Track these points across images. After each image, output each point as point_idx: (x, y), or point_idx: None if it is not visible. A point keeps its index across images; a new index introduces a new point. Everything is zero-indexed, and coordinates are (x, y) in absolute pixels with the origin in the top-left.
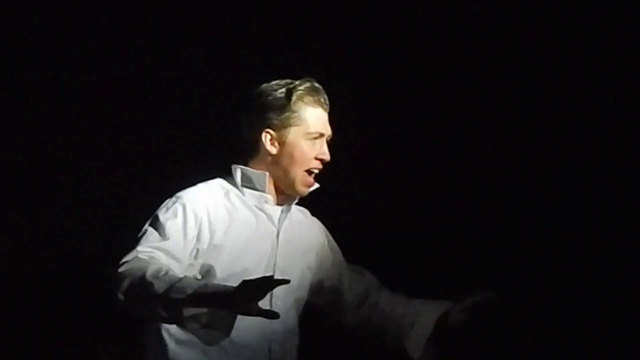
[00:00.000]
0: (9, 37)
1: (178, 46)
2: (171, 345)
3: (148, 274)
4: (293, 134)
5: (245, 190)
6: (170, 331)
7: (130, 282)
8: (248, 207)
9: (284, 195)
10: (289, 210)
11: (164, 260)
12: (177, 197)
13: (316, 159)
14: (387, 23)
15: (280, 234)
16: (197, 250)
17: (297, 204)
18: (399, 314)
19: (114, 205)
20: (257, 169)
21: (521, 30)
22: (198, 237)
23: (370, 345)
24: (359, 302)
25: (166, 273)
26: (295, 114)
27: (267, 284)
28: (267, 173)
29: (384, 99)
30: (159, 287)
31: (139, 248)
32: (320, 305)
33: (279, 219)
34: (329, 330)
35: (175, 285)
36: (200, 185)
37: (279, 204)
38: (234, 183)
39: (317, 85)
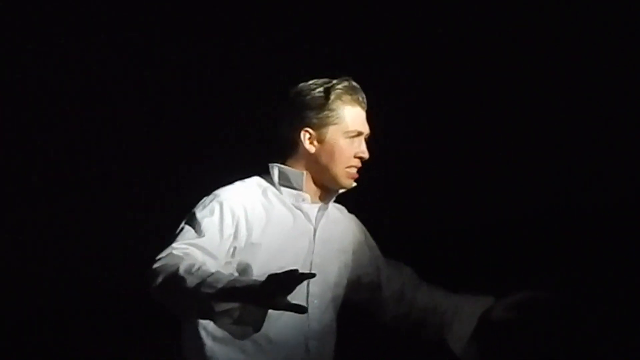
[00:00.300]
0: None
1: (217, 44)
2: (208, 342)
3: (181, 269)
4: (332, 133)
5: (283, 188)
6: (208, 329)
7: (164, 278)
8: (285, 205)
9: (322, 193)
10: (326, 208)
11: (199, 256)
12: (215, 195)
13: (355, 157)
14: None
15: (317, 232)
16: (234, 248)
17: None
18: (439, 309)
19: (153, 205)
20: (295, 167)
21: (522, 30)
22: (235, 235)
23: (404, 346)
24: (397, 297)
25: (199, 268)
26: (334, 113)
27: (294, 278)
28: (305, 172)
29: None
30: (191, 282)
31: (174, 245)
32: (358, 302)
33: (316, 217)
34: (365, 331)
35: (206, 280)
36: (238, 184)
37: (316, 202)
38: (271, 181)
39: (354, 84)
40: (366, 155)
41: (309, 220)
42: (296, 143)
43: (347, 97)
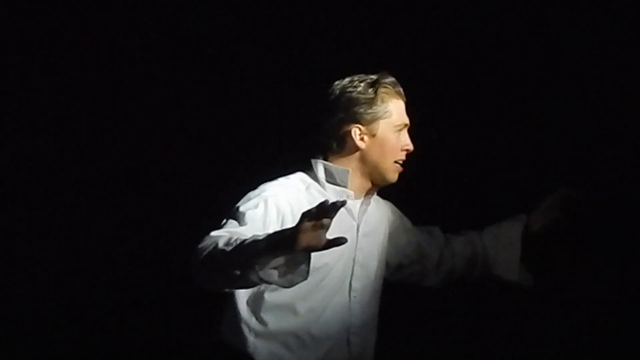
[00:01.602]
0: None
1: (259, 43)
2: (251, 338)
3: (220, 244)
4: (382, 127)
5: (328, 185)
6: (250, 325)
7: (205, 255)
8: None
9: (365, 189)
10: (368, 203)
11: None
12: (260, 190)
13: (402, 150)
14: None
15: (360, 227)
16: None
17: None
18: (479, 249)
19: (203, 200)
20: (340, 163)
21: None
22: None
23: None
24: (438, 261)
25: (237, 239)
26: (383, 107)
27: (325, 208)
28: (350, 169)
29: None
30: (232, 251)
31: (212, 233)
32: (402, 280)
33: (359, 213)
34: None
35: (244, 243)
36: (282, 180)
37: (359, 197)
38: (314, 177)
39: (393, 78)
40: (411, 147)
41: (352, 216)
42: (344, 140)
43: (392, 91)
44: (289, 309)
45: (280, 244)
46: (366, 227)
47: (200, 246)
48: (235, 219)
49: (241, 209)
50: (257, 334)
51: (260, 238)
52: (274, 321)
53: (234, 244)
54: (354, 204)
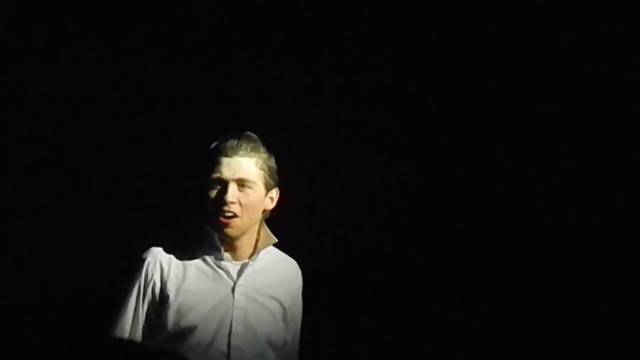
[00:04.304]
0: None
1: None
2: None
3: None
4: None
5: (204, 248)
6: None
7: None
8: (206, 263)
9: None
10: (253, 264)
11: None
12: (138, 259)
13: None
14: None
15: (237, 287)
16: (154, 307)
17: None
18: None
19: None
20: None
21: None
22: (153, 294)
23: None
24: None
25: None
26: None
27: None
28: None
29: None
30: None
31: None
32: None
33: (238, 272)
34: None
35: None
36: (156, 249)
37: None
38: (193, 240)
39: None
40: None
41: (230, 277)
42: None
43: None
44: None
45: None
46: (247, 286)
47: None
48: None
49: (125, 296)
50: None
51: None
52: None
53: None
54: (232, 264)
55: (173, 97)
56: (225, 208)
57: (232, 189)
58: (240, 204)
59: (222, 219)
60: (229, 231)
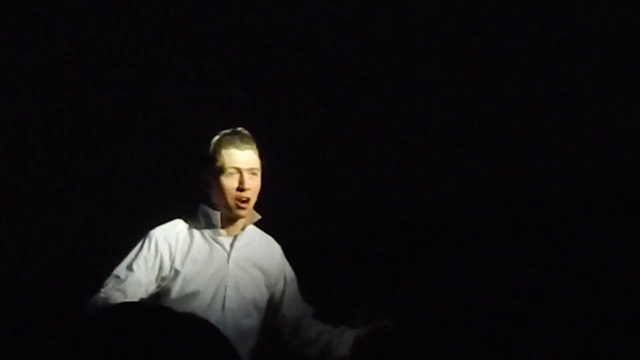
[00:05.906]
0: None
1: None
2: None
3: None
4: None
5: (202, 225)
6: None
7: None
8: (204, 238)
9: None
10: (241, 238)
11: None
12: (146, 234)
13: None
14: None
15: (231, 257)
16: (162, 277)
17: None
18: (324, 339)
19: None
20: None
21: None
22: (160, 266)
23: None
24: (293, 326)
25: None
26: (218, 157)
27: None
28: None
29: None
30: None
31: (102, 290)
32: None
33: (231, 244)
34: None
35: None
36: (166, 224)
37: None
38: (192, 220)
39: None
40: (245, 187)
41: (224, 248)
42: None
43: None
44: None
45: None
46: (238, 257)
47: (90, 302)
48: (126, 267)
49: (130, 254)
50: None
51: None
52: None
53: None
54: (226, 239)
55: (166, 90)
56: (243, 194)
57: (247, 177)
58: (251, 190)
59: (239, 203)
60: (243, 212)
